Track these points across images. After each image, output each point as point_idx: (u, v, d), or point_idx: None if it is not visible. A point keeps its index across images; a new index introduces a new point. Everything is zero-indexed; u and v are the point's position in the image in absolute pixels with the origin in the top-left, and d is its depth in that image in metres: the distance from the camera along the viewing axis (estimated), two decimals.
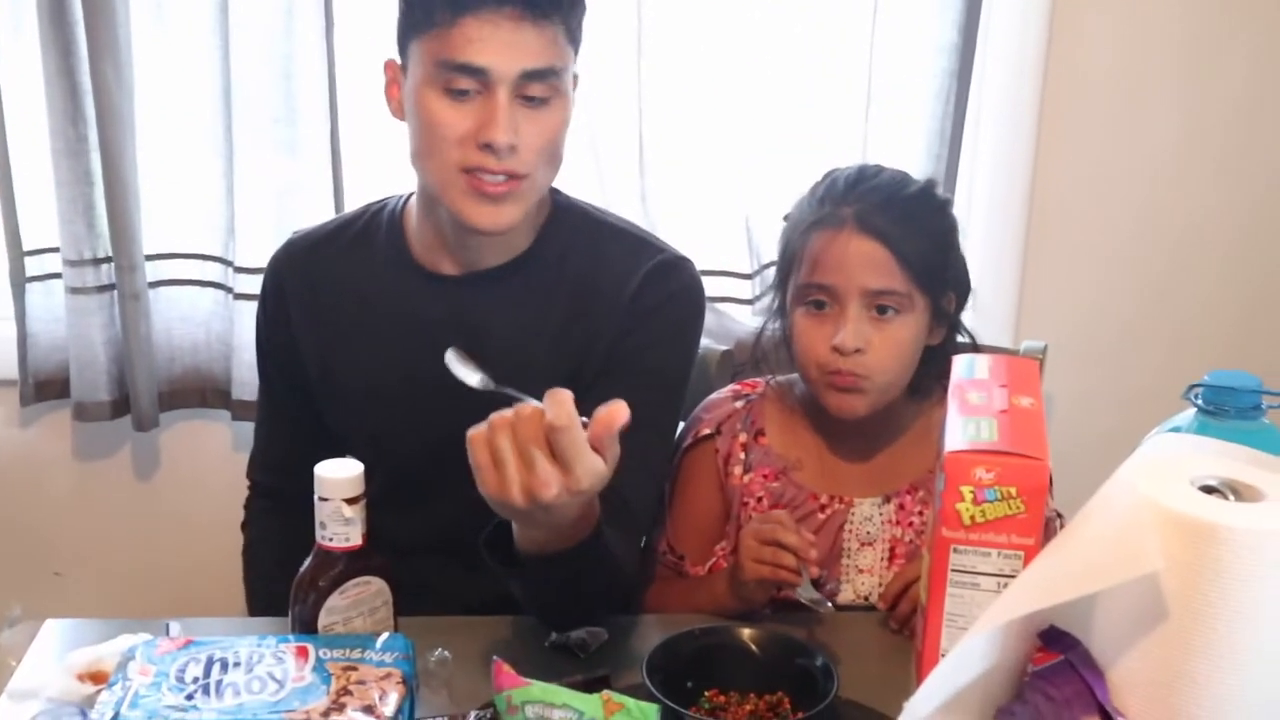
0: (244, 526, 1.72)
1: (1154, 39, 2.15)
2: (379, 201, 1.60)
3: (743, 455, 1.59)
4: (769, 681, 1.25)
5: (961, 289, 1.58)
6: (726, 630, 1.29)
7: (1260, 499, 0.89)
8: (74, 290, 2.11)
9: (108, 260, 2.11)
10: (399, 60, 1.44)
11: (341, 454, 1.21)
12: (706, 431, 1.61)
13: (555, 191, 1.55)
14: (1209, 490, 0.90)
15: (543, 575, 1.28)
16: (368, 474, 1.18)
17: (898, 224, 1.47)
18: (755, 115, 2.08)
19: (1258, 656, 0.85)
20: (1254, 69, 2.16)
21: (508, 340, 1.47)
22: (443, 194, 1.40)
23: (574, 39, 1.41)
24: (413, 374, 1.49)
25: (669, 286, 1.51)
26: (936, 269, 1.51)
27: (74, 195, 2.06)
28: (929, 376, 1.56)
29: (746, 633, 1.28)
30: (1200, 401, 1.23)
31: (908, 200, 1.52)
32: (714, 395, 1.66)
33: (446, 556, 1.51)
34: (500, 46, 1.33)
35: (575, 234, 1.53)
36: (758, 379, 1.66)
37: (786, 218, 1.59)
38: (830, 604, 1.37)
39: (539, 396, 1.11)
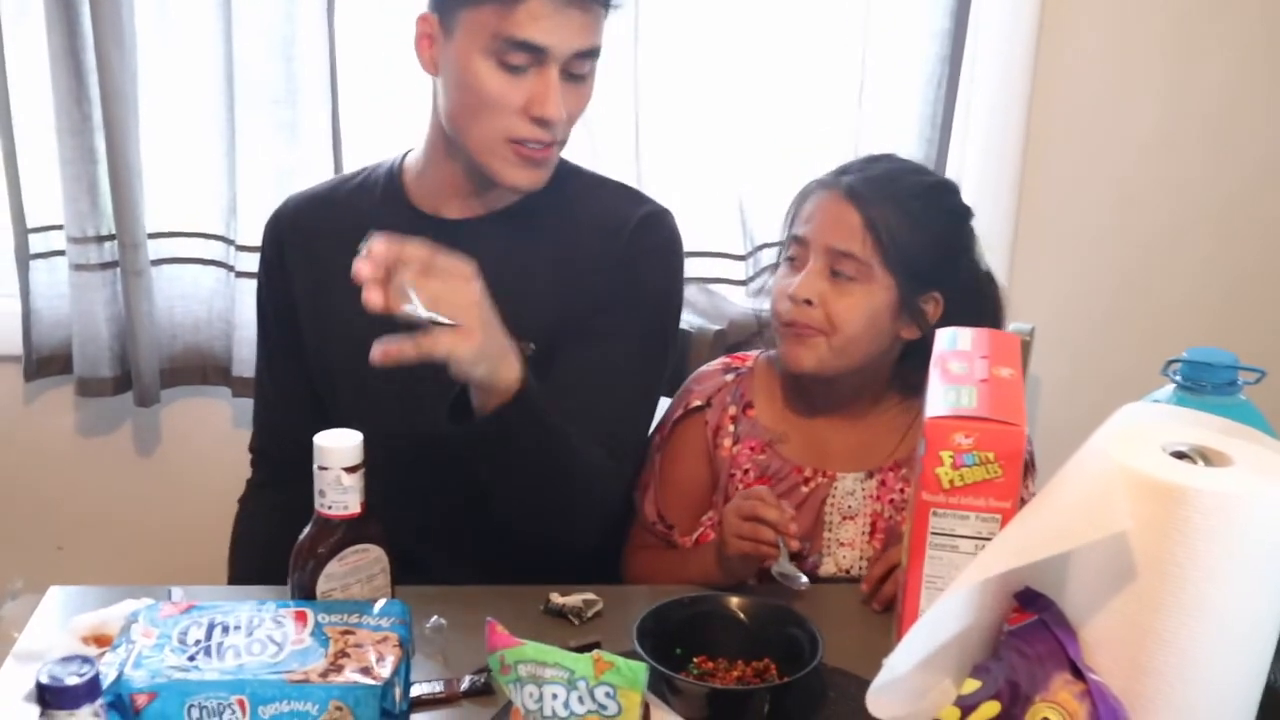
0: (240, 500, 1.74)
1: (1142, 26, 2.15)
2: (375, 163, 1.64)
3: (731, 427, 1.61)
4: (756, 649, 1.27)
5: (954, 298, 1.56)
6: (715, 599, 1.32)
7: (1229, 464, 0.92)
8: (77, 267, 2.12)
9: (111, 238, 2.12)
10: (434, 15, 1.45)
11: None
12: (697, 403, 1.63)
13: None
14: (1180, 455, 0.93)
15: (501, 433, 1.32)
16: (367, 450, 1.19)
17: (882, 200, 1.51)
18: (749, 99, 2.09)
19: (1221, 614, 0.88)
20: (1238, 55, 2.17)
21: (499, 285, 1.44)
22: (482, 156, 1.46)
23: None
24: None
25: (653, 238, 1.56)
26: (911, 256, 1.51)
27: (78, 173, 2.07)
28: (915, 372, 1.52)
29: (735, 601, 1.30)
30: (1178, 377, 1.24)
31: (906, 186, 1.55)
32: (705, 368, 1.69)
33: (436, 546, 1.53)
34: (560, 26, 1.39)
35: (563, 185, 1.56)
36: (748, 353, 1.69)
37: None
38: (805, 579, 1.39)
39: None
